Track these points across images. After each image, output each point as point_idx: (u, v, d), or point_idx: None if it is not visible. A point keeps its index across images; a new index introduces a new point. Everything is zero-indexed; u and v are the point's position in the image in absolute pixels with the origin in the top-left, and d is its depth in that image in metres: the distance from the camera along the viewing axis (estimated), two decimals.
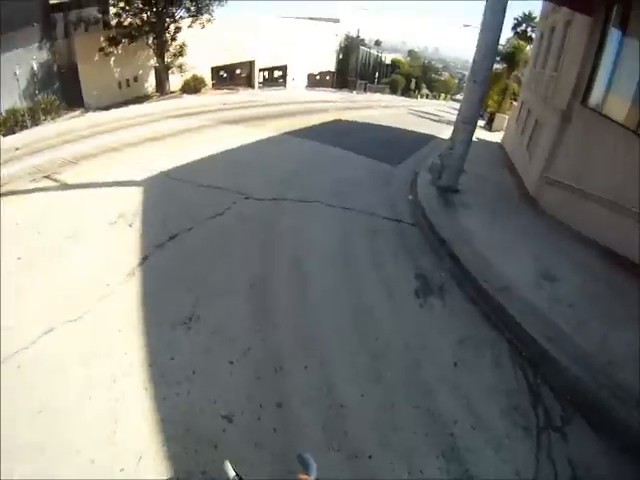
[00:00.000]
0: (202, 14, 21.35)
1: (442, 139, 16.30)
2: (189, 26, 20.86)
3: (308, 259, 4.86)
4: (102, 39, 18.32)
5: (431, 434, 2.75)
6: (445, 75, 61.68)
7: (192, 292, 3.99)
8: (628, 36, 6.02)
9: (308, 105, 20.44)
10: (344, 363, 3.30)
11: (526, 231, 6.51)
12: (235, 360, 3.20)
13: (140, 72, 21.57)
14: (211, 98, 21.46)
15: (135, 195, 6.43)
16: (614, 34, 6.42)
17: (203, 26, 21.68)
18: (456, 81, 63.95)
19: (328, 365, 3.25)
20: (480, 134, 19.64)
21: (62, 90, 17.02)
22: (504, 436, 2.76)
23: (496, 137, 19.07)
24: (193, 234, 5.15)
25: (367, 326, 3.79)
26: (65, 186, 6.87)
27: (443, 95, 61.12)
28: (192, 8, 20.77)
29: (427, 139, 15.37)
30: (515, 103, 19.44)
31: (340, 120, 16.29)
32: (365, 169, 9.15)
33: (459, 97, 72.32)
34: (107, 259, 4.53)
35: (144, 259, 4.52)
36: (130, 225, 5.44)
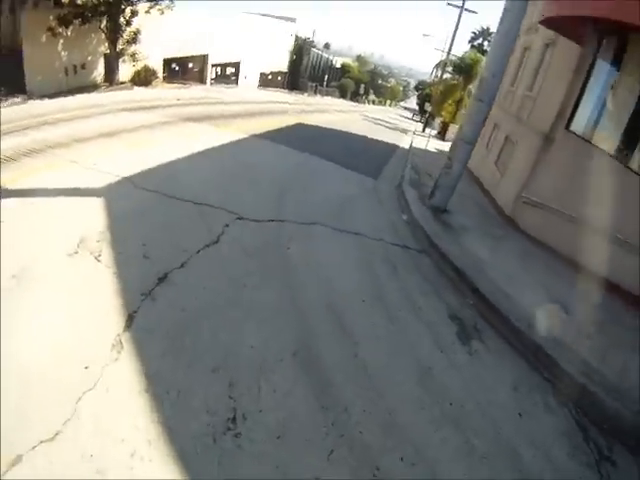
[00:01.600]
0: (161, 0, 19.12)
1: (403, 148, 16.28)
2: (146, 11, 18.57)
3: (344, 307, 4.02)
4: (52, 18, 15.63)
5: None
6: (392, 82, 63.27)
7: (219, 374, 2.82)
8: (621, 71, 6.07)
9: (265, 106, 19.39)
10: (434, 440, 2.74)
11: (525, 257, 6.35)
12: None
13: (89, 58, 18.83)
14: (164, 92, 19.51)
15: (96, 210, 4.93)
16: (604, 66, 6.46)
17: (162, 12, 19.45)
18: (401, 88, 66.09)
19: (421, 447, 2.65)
20: (434, 144, 20.06)
21: (1, 73, 14.25)
22: (578, 477, 2.76)
23: (447, 146, 19.64)
24: (188, 274, 3.97)
25: (434, 388, 3.23)
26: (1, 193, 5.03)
27: (389, 102, 62.89)
28: None
29: (392, 149, 15.21)
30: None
31: (303, 124, 15.52)
32: (351, 183, 8.51)
33: (403, 104, 75.42)
34: (76, 317, 3.11)
35: (130, 318, 3.20)
36: (98, 258, 4.20)
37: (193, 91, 22.34)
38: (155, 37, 21.13)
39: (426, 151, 15.89)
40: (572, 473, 2.77)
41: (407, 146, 16.95)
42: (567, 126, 7.10)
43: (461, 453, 2.70)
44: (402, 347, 3.65)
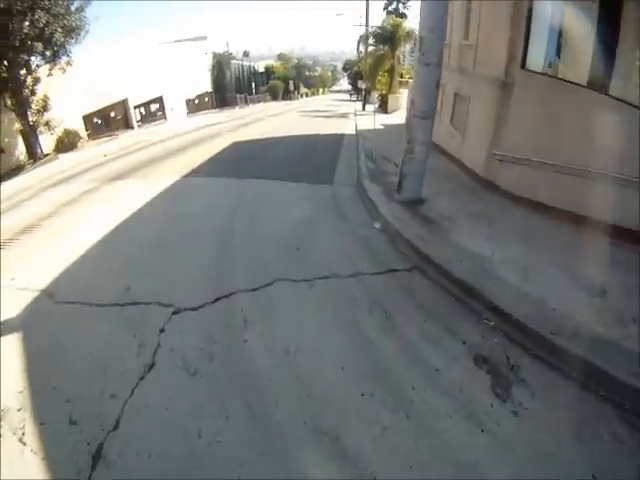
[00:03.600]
0: (60, 57, 16.87)
1: (350, 135, 14.99)
2: (48, 75, 16.44)
3: (342, 417, 2.73)
4: None
5: None
6: (318, 70, 61.72)
7: None
8: None
9: (197, 134, 17.64)
10: None
11: (527, 233, 5.17)
12: None
13: (7, 140, 16.70)
14: (90, 151, 17.53)
15: (12, 352, 3.54)
16: None
17: (64, 71, 17.34)
18: (329, 73, 64.61)
19: None
20: (379, 120, 18.88)
21: None
22: None
23: (397, 118, 18.37)
24: (127, 439, 2.60)
25: None
26: None
27: (321, 90, 61.36)
28: (47, 52, 16.21)
29: (338, 140, 13.82)
30: (412, 81, 18.92)
31: (240, 142, 13.92)
32: (303, 200, 7.12)
33: (335, 88, 73.93)
34: None
35: None
36: (22, 438, 2.76)
37: (120, 141, 20.38)
38: (67, 97, 19.14)
39: (373, 131, 14.67)
40: None
41: (352, 131, 15.68)
42: (523, 65, 5.97)
43: None
44: (431, 448, 2.40)
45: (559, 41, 5.32)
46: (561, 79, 5.30)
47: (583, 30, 4.91)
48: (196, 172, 9.49)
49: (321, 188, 7.83)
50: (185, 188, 8.26)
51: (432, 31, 5.05)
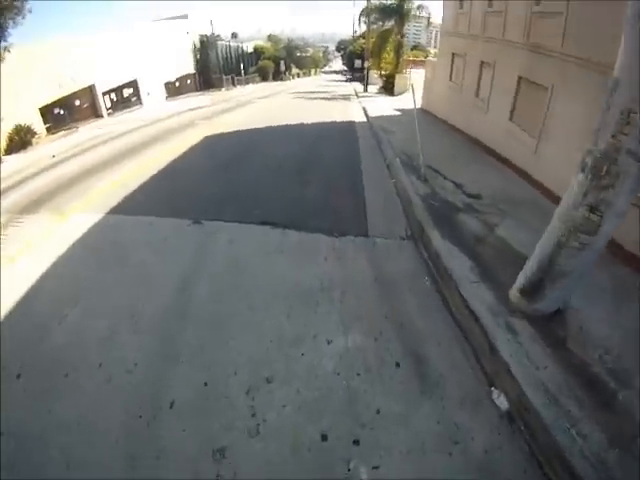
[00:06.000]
0: None
1: (361, 123, 11.24)
2: None
3: None
4: None
5: None
6: (310, 50, 56.38)
7: None
8: None
9: (169, 122, 13.74)
10: None
11: None
12: None
13: None
14: (42, 150, 13.47)
15: None
16: None
17: (3, 59, 13.65)
18: (321, 54, 59.34)
19: None
20: (389, 102, 15.09)
21: None
22: None
23: (408, 102, 14.39)
24: None
25: None
26: None
27: (313, 70, 56.17)
28: None
29: (348, 133, 9.98)
30: (431, 58, 15.02)
31: (215, 137, 10.00)
32: (322, 299, 3.38)
33: (327, 69, 67.98)
34: None
35: None
36: None
37: (80, 135, 16.35)
38: (19, 87, 15.33)
39: (389, 119, 10.99)
40: None
41: (363, 118, 11.92)
42: None
43: None
44: None
45: None
46: None
47: None
48: (136, 201, 5.73)
49: (350, 250, 4.12)
50: (99, 248, 4.38)
51: None
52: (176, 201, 5.48)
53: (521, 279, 3.03)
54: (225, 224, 4.68)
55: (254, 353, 2.79)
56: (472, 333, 2.98)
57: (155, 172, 7.15)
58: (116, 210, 5.40)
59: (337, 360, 2.73)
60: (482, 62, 8.07)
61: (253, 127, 10.91)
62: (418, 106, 13.23)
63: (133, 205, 5.55)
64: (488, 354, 2.74)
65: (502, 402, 2.46)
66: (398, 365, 2.71)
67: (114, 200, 5.76)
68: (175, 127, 12.52)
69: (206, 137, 9.89)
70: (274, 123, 11.42)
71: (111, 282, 3.66)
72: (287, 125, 11.18)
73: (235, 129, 10.76)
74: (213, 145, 9.25)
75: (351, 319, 3.11)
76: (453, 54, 9.99)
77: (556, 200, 4.83)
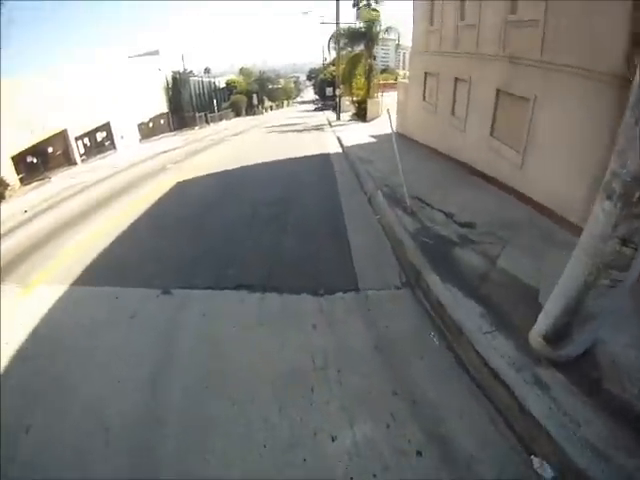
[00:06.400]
0: None
1: (336, 154, 11.25)
2: None
3: None
4: None
5: None
6: (281, 82, 57.74)
7: None
8: None
9: (137, 169, 13.32)
10: None
11: None
12: None
13: None
14: (14, 204, 12.71)
15: None
16: None
17: None
18: (292, 85, 60.72)
19: None
20: (363, 129, 15.28)
21: None
22: None
23: (383, 127, 14.51)
24: None
25: None
26: None
27: (286, 102, 57.32)
28: None
29: (324, 166, 9.86)
30: (402, 80, 15.28)
31: (186, 183, 9.63)
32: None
33: (299, 100, 69.33)
34: None
35: None
36: None
37: (53, 186, 15.69)
38: None
39: (366, 147, 11.03)
40: None
41: (338, 149, 11.94)
42: None
43: None
44: None
45: None
46: None
47: None
48: (102, 267, 5.28)
49: (340, 311, 3.73)
50: (60, 336, 3.82)
51: None
52: (145, 265, 5.08)
53: (543, 323, 2.74)
54: (197, 292, 4.28)
55: (246, 465, 2.37)
56: (496, 394, 2.64)
57: (125, 228, 6.77)
58: (82, 280, 4.97)
59: (347, 461, 2.34)
60: (456, 79, 8.07)
61: (226, 169, 10.71)
62: (389, 130, 13.47)
63: (100, 272, 5.14)
64: (519, 417, 2.42)
65: (546, 471, 2.16)
66: (420, 454, 2.35)
67: (80, 266, 5.34)
68: (149, 172, 12.23)
69: (178, 183, 9.60)
70: (248, 162, 11.26)
71: (77, 380, 3.22)
72: (262, 163, 11.04)
73: (208, 172, 10.52)
74: (184, 192, 8.93)
75: (355, 404, 2.72)
76: (426, 73, 10.00)
77: (549, 214, 4.87)
